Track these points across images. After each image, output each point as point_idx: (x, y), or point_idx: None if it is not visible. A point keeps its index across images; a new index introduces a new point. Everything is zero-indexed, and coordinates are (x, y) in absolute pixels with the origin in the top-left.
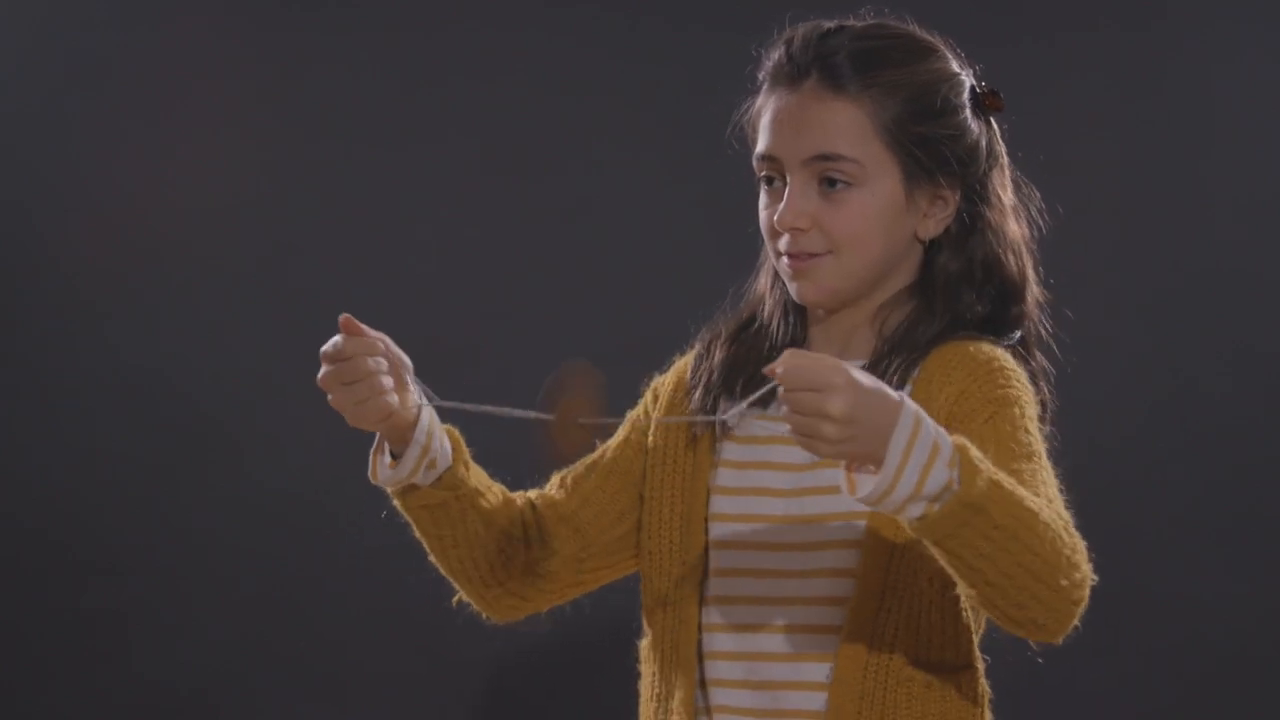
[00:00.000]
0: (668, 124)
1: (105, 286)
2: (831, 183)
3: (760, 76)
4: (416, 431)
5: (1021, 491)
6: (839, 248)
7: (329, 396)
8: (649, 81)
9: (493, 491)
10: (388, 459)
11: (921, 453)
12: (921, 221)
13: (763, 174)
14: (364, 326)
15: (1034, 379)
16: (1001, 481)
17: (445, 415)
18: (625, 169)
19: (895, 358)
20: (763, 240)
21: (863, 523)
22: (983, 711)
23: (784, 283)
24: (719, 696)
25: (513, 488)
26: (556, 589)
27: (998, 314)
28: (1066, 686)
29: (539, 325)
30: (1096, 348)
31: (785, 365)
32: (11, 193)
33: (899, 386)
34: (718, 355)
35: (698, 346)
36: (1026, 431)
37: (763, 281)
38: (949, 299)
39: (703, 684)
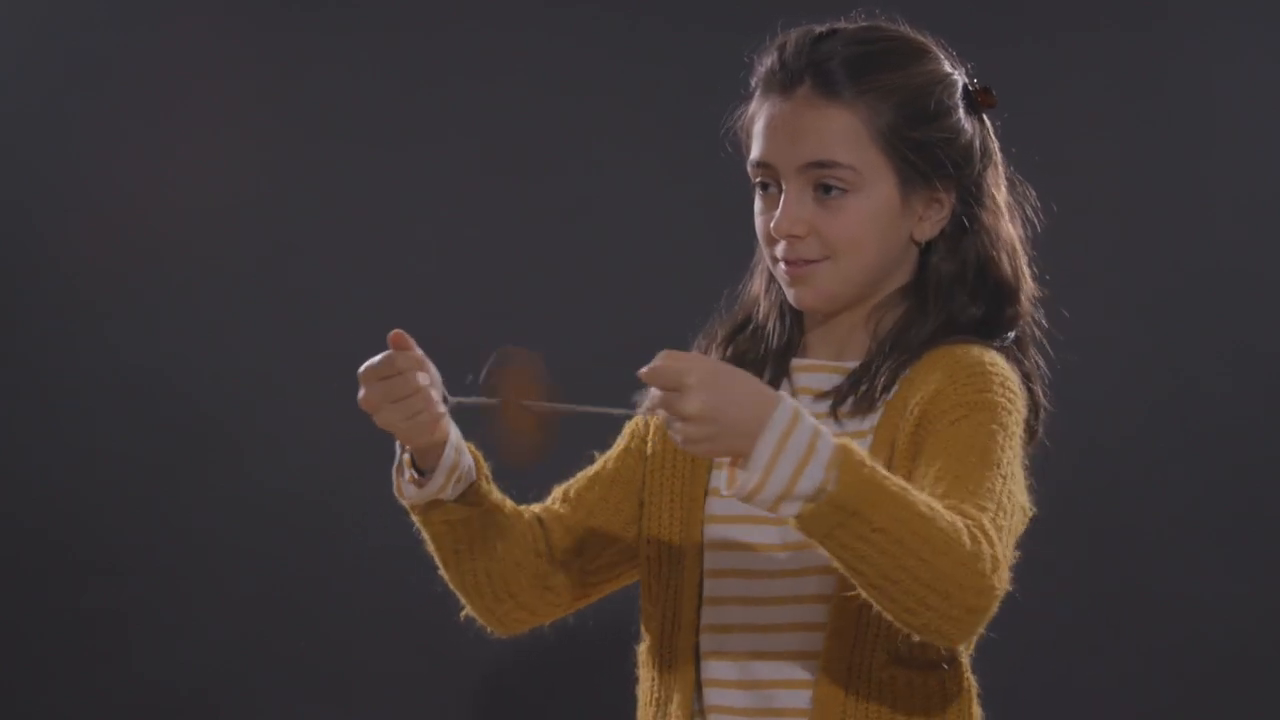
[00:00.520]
0: (668, 124)
1: (105, 286)
2: (827, 189)
3: (753, 82)
4: (447, 448)
5: (915, 496)
6: (836, 254)
7: (376, 415)
8: (649, 81)
9: (508, 506)
10: (408, 473)
11: (795, 450)
12: (917, 225)
13: (758, 180)
14: (413, 341)
15: (1028, 380)
16: (887, 485)
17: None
18: (625, 169)
19: (887, 359)
20: (756, 242)
21: None
22: (970, 705)
23: (779, 286)
24: (713, 697)
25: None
26: (564, 601)
27: (992, 315)
28: (1067, 686)
29: (539, 325)
30: (1096, 348)
31: (650, 366)
32: (11, 193)
33: (888, 386)
34: (715, 357)
35: (694, 351)
36: (992, 438)
37: (756, 284)
38: (942, 300)
39: (699, 685)
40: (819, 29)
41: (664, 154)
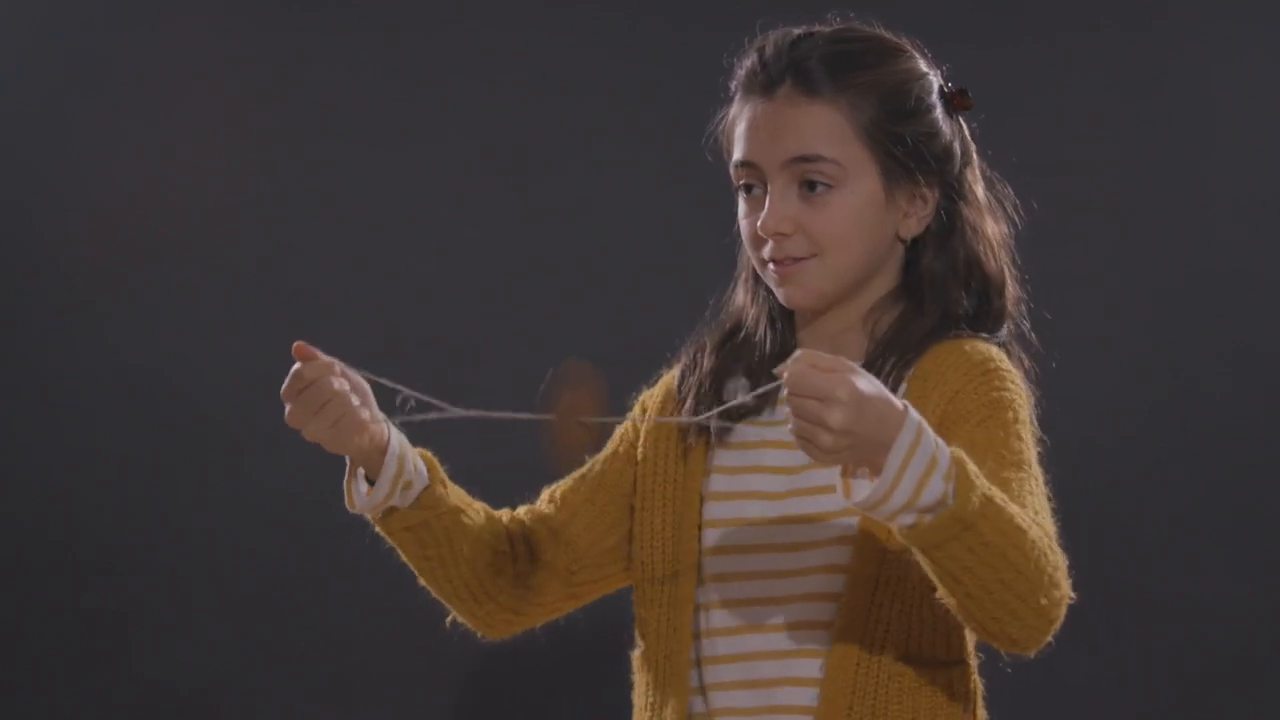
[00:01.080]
0: (668, 124)
1: (105, 286)
2: (812, 185)
3: (732, 86)
4: (387, 454)
5: (1013, 509)
6: (823, 250)
7: (304, 431)
8: (649, 81)
9: (474, 509)
10: (363, 486)
11: (919, 464)
12: (902, 221)
13: (741, 182)
14: (317, 351)
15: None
16: (994, 498)
17: (420, 433)
18: (625, 169)
19: (889, 358)
20: (739, 250)
21: (855, 519)
22: (975, 706)
23: (766, 291)
24: (719, 700)
25: (503, 503)
26: (548, 603)
27: (983, 309)
28: (1067, 686)
29: (539, 325)
30: (1097, 348)
31: (793, 369)
32: (11, 193)
33: (893, 386)
34: (706, 365)
35: (683, 359)
36: (1019, 438)
37: (740, 293)
38: (937, 296)
39: (702, 690)
40: (796, 31)
41: (664, 154)
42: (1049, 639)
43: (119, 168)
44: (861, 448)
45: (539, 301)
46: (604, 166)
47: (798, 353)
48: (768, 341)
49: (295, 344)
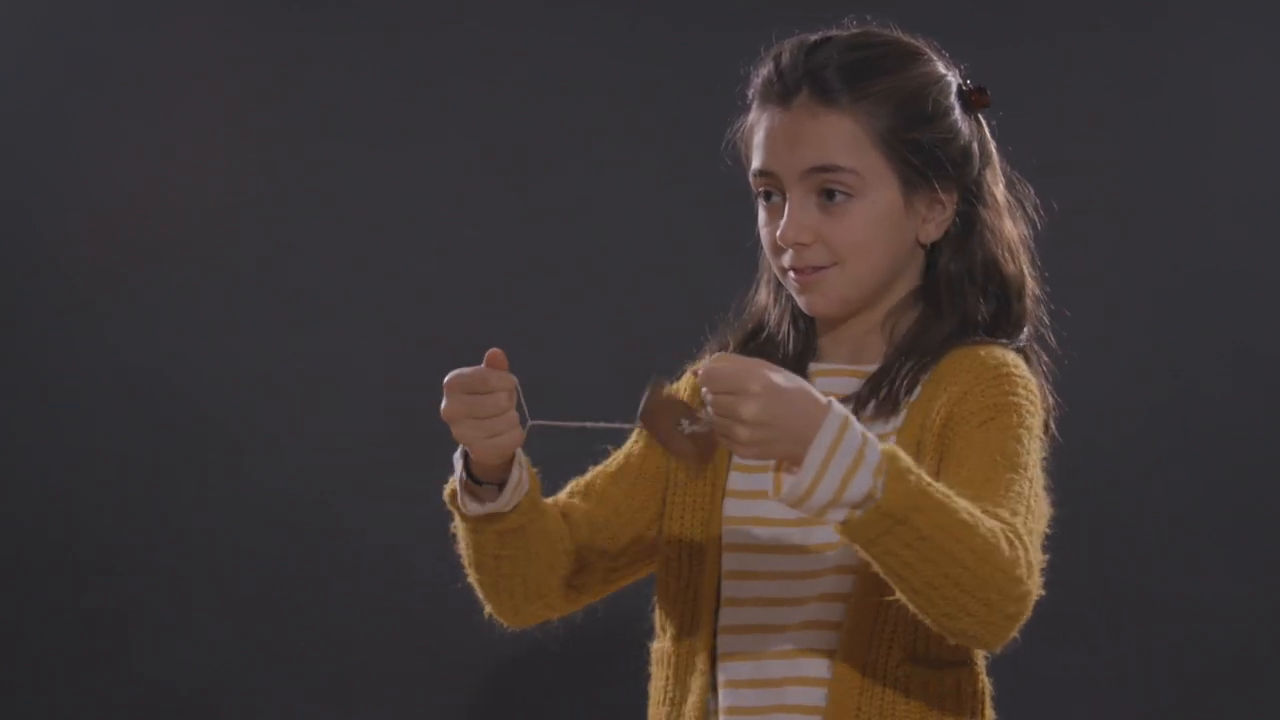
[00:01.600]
0: (668, 124)
1: (105, 286)
2: (830, 195)
3: (749, 94)
4: (515, 466)
5: (958, 504)
6: (843, 259)
7: (455, 427)
8: (649, 81)
9: (553, 510)
10: (461, 477)
11: (844, 458)
12: (921, 226)
13: (760, 191)
14: (506, 362)
15: (1044, 379)
16: (932, 493)
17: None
18: (625, 169)
19: (907, 361)
20: (760, 252)
21: None
22: (983, 707)
23: (788, 293)
24: (728, 698)
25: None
26: (586, 597)
27: (1002, 313)
28: (1067, 686)
29: (539, 325)
30: (1096, 348)
31: (706, 368)
32: (11, 193)
33: (910, 390)
34: None
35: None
36: (1018, 441)
37: (763, 293)
38: (955, 300)
39: (714, 686)
40: (813, 38)
41: (664, 154)
42: (1013, 635)
43: (119, 168)
44: (783, 441)
45: (539, 301)
46: (604, 166)
47: (713, 356)
48: (790, 341)
49: (492, 350)
